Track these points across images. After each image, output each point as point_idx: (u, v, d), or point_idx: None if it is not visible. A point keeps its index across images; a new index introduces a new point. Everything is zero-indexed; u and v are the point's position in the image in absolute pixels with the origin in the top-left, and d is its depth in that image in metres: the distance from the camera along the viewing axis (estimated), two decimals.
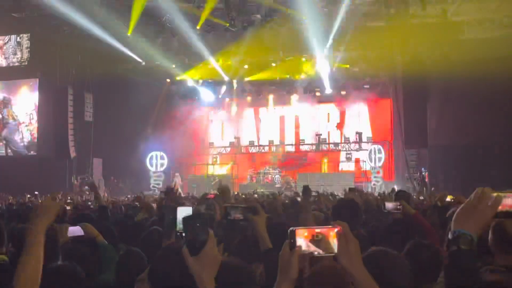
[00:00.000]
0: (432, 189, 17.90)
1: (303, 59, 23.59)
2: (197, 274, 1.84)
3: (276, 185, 24.37)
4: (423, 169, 22.15)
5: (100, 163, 25.60)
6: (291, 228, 1.70)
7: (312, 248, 1.68)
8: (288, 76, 25.32)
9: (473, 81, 16.43)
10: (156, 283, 2.56)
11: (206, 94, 27.59)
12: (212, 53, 22.60)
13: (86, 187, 22.96)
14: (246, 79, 25.77)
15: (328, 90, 25.19)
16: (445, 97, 20.39)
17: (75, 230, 3.81)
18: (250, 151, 28.46)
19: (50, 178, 22.27)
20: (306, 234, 1.69)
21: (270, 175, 26.15)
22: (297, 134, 28.10)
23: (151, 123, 26.35)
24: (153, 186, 25.40)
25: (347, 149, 27.02)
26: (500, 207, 1.77)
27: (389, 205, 4.77)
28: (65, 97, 23.89)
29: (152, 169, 26.58)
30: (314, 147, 27.44)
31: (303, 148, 27.73)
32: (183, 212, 2.11)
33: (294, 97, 27.25)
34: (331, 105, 27.40)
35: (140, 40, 21.55)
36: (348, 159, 26.64)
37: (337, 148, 27.42)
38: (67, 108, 23.85)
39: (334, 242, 1.69)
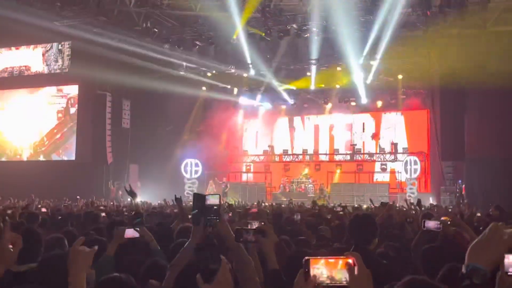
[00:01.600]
0: (465, 201, 17.46)
1: (338, 68, 23.37)
2: None
3: (309, 195, 24.27)
4: (459, 181, 21.63)
5: (136, 169, 26.02)
6: (306, 258, 1.73)
7: (326, 277, 1.71)
8: (323, 85, 25.14)
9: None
10: None
11: (241, 103, 27.77)
12: (248, 62, 22.75)
13: (125, 189, 23.23)
14: (281, 88, 25.78)
15: (364, 100, 24.97)
16: (483, 109, 19.88)
17: (131, 232, 4.01)
18: (284, 160, 28.45)
19: (87, 183, 22.69)
20: (320, 263, 1.71)
21: (303, 184, 26.04)
22: (331, 143, 27.95)
23: (186, 131, 26.67)
24: (187, 193, 25.61)
25: (382, 160, 26.71)
26: None
27: (430, 223, 4.45)
28: (103, 104, 24.52)
29: (187, 176, 26.83)
30: (348, 157, 27.24)
31: (337, 158, 27.53)
32: (211, 199, 2.22)
33: (329, 107, 27.12)
34: (367, 115, 27.16)
35: (177, 49, 21.90)
36: (383, 169, 26.33)
37: (372, 158, 27.13)
38: (105, 115, 24.46)
39: (347, 272, 1.71)
